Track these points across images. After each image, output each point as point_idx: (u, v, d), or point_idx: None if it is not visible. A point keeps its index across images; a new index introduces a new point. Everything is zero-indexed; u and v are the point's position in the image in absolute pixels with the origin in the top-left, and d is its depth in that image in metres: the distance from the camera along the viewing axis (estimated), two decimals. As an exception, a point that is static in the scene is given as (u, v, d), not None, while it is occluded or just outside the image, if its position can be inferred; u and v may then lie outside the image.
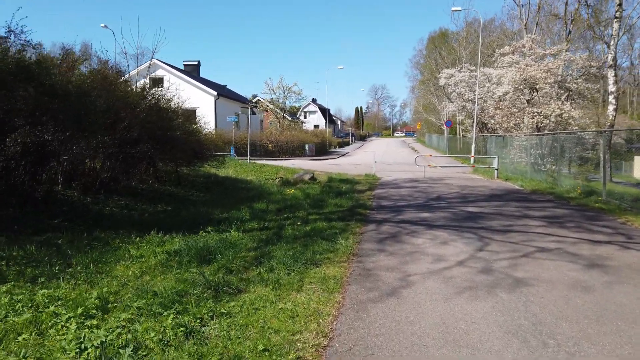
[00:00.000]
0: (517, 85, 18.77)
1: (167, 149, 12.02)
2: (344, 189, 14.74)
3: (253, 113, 20.02)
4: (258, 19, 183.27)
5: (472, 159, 26.46)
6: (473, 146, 27.24)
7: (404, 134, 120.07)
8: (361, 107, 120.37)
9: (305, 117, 75.07)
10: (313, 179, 17.25)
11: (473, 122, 33.70)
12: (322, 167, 25.10)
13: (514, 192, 14.54)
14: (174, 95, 12.90)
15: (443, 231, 7.90)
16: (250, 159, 21.51)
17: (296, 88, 37.88)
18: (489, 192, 14.07)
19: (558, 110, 18.13)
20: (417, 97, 64.62)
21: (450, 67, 37.04)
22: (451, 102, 38.10)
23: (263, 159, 31.16)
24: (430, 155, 19.40)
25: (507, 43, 46.11)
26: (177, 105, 13.63)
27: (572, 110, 18.34)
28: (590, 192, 13.05)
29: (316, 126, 65.73)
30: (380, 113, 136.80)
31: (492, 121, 32.33)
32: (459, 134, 40.48)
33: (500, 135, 22.56)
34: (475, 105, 27.43)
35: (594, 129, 19.56)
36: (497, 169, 18.74)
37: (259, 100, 40.61)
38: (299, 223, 8.58)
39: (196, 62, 39.69)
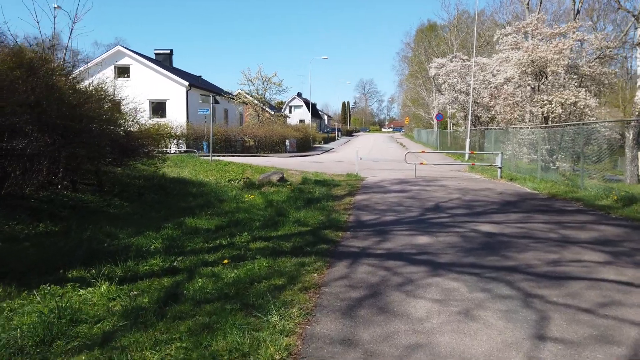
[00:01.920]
0: (524, 69, 15.62)
1: (70, 144, 8.65)
2: (317, 194, 11.51)
3: (216, 102, 16.58)
4: (241, 11, 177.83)
5: (467, 155, 23.37)
6: (467, 141, 24.13)
7: (391, 129, 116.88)
8: (348, 102, 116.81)
9: (290, 112, 71.42)
10: (283, 180, 13.96)
11: (466, 115, 30.63)
12: (300, 164, 21.79)
13: (528, 197, 11.39)
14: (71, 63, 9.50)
15: (457, 279, 4.66)
16: (213, 156, 18.11)
17: (276, 79, 34.38)
18: (499, 198, 10.90)
19: (573, 97, 15.02)
20: (405, 91, 61.33)
21: (441, 58, 33.84)
22: (441, 94, 34.98)
23: (238, 156, 27.80)
24: (423, 152, 16.19)
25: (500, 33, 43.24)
26: (91, 84, 10.24)
27: (588, 98, 15.25)
28: (629, 198, 9.94)
29: (301, 121, 62.36)
30: (368, 108, 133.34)
31: (488, 114, 29.33)
32: (450, 128, 37.40)
33: (500, 129, 19.47)
34: (471, 95, 24.32)
35: (609, 119, 16.50)
36: (500, 167, 15.61)
37: (240, 92, 37.03)
38: (226, 260, 5.30)
39: (168, 51, 36.02)
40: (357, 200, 10.51)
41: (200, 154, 27.83)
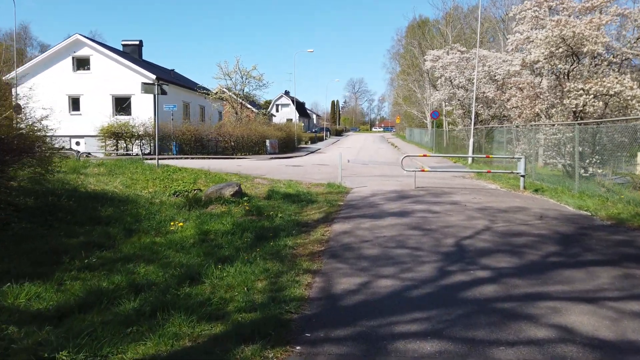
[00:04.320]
0: (553, 49, 11.89)
1: None
2: (279, 220, 7.70)
3: (163, 92, 12.64)
4: (223, 4, 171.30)
5: (471, 159, 19.64)
6: (471, 141, 20.39)
7: (382, 129, 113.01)
8: (337, 101, 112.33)
9: (277, 111, 67.32)
10: (239, 194, 10.06)
11: (466, 112, 26.96)
12: (276, 169, 17.91)
13: (585, 224, 7.59)
14: None
15: None
16: (159, 159, 14.13)
17: (256, 72, 30.30)
18: (547, 229, 7.09)
19: (618, 86, 11.31)
20: (396, 89, 57.40)
21: (437, 50, 30.10)
22: (437, 90, 31.30)
23: (209, 158, 23.82)
24: (425, 155, 12.42)
25: (499, 27, 39.57)
26: None
27: (635, 87, 11.56)
28: None
29: (289, 120, 58.36)
30: (358, 108, 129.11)
31: (489, 111, 25.68)
32: (445, 127, 33.72)
33: (502, 126, 15.81)
34: (475, 87, 20.60)
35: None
36: (523, 176, 11.87)
37: (220, 88, 32.88)
38: None
39: (137, 42, 31.86)
40: (335, 234, 6.65)
41: (168, 157, 23.82)
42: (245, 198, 9.96)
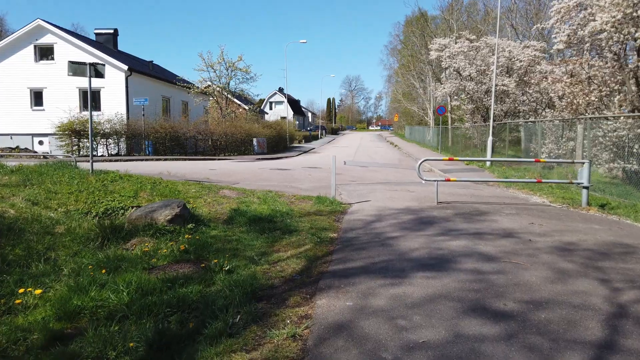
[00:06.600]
0: (629, 11, 8.43)
1: None
2: (221, 283, 4.15)
3: (98, 75, 9.06)
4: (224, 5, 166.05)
5: (489, 162, 16.16)
6: (489, 140, 16.91)
7: (379, 127, 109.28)
8: (334, 99, 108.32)
9: (271, 108, 63.55)
10: (180, 218, 6.54)
11: (477, 108, 23.53)
12: (257, 174, 14.37)
13: None
14: None
15: None
16: (92, 162, 10.55)
17: (242, 64, 26.74)
18: None
19: None
20: (395, 84, 53.82)
21: (443, 38, 26.58)
22: (442, 83, 27.83)
23: (185, 159, 20.27)
24: (450, 159, 8.90)
25: (506, 17, 36.12)
26: None
27: None
28: None
29: (283, 118, 54.82)
30: (355, 106, 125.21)
31: (502, 106, 22.25)
32: (450, 124, 30.29)
33: (512, 121, 12.43)
34: (494, 75, 17.11)
35: None
36: (587, 188, 8.40)
37: (203, 80, 29.12)
38: None
39: (111, 31, 28.17)
40: (318, 338, 3.10)
41: (137, 157, 20.27)
42: (190, 225, 6.46)
